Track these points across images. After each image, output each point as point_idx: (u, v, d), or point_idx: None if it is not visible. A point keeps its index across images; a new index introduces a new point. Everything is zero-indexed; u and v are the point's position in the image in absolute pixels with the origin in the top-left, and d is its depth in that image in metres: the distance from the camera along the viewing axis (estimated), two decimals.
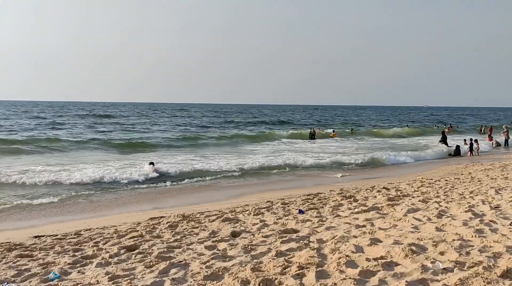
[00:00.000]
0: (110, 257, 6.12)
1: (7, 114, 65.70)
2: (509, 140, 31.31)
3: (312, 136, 36.89)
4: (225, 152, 25.10)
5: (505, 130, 32.08)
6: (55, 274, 5.38)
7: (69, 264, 5.90)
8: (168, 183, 14.94)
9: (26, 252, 6.70)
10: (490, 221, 6.91)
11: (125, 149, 26.19)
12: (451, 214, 7.73)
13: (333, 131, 42.75)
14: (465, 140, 28.58)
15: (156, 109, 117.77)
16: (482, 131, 47.69)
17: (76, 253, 6.48)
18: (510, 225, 6.54)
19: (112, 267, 5.64)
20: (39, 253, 6.64)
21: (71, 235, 7.91)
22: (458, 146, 26.61)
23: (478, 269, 4.50)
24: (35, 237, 7.90)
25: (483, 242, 5.66)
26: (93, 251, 6.53)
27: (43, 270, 5.63)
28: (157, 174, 15.89)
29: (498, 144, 31.62)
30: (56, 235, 7.94)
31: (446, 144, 28.70)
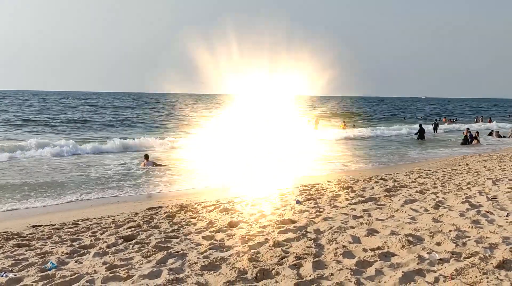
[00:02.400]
0: (108, 246, 6.13)
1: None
2: None
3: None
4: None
5: None
6: (53, 264, 5.39)
7: (66, 253, 5.91)
8: (162, 175, 14.94)
9: (23, 242, 6.70)
10: (487, 212, 6.94)
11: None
12: (448, 205, 7.76)
13: (344, 122, 41.45)
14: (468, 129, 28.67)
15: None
16: (478, 122, 47.83)
17: (74, 243, 6.49)
18: (507, 216, 6.57)
19: (109, 256, 5.65)
20: (37, 242, 6.65)
21: (69, 225, 7.92)
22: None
23: (474, 260, 4.53)
24: (33, 226, 7.90)
25: (479, 233, 5.69)
26: (91, 240, 6.54)
27: (41, 260, 5.64)
28: (150, 167, 15.81)
29: (499, 136, 31.67)
30: (54, 225, 7.95)
31: (423, 137, 29.29)
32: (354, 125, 42.68)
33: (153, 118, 48.09)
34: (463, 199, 8.12)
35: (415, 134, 30.29)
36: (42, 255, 5.89)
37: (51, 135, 27.94)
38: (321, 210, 8.11)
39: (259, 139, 23.39)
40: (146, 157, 16.54)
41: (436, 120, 33.19)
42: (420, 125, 31.05)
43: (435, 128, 35.62)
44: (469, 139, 26.54)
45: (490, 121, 43.74)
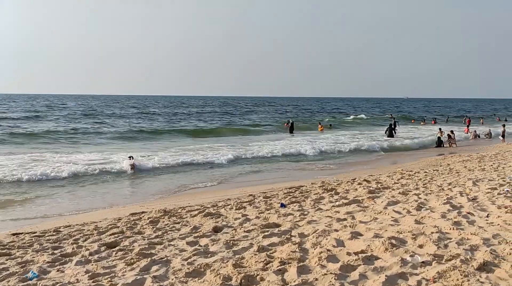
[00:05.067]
0: (90, 254, 6.05)
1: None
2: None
3: (290, 129, 36.41)
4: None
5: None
6: (34, 273, 5.29)
7: (48, 262, 5.81)
8: (146, 177, 14.84)
9: (4, 251, 6.57)
10: (468, 213, 7.04)
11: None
12: (430, 206, 7.85)
13: (320, 123, 41.46)
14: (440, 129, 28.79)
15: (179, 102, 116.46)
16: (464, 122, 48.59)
17: (55, 251, 6.39)
18: (487, 217, 6.68)
19: (92, 265, 5.58)
20: (17, 251, 6.52)
21: (50, 232, 7.79)
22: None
23: (455, 262, 4.58)
24: (13, 234, 7.77)
25: (460, 234, 5.76)
26: (73, 248, 6.45)
27: (22, 269, 5.52)
28: (133, 170, 15.63)
29: (476, 136, 32.17)
30: (35, 232, 7.82)
31: (392, 135, 30.37)
32: (330, 125, 43.25)
33: None
34: (444, 200, 8.22)
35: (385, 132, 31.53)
36: (23, 264, 5.78)
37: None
38: (306, 213, 8.14)
39: None
40: (131, 158, 16.38)
41: (393, 118, 33.12)
42: (389, 124, 32.48)
43: (393, 129, 31.90)
44: (442, 141, 26.64)
45: (469, 122, 44.34)
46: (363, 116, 61.23)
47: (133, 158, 16.43)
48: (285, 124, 39.25)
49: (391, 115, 58.65)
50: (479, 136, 32.24)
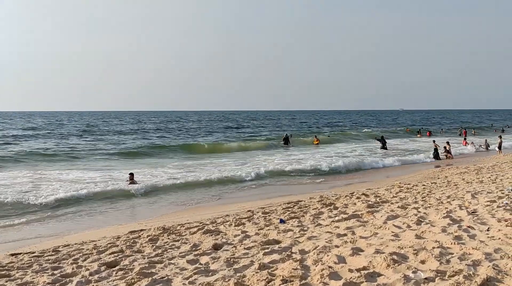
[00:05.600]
0: (90, 274, 6.00)
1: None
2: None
3: (286, 141, 36.56)
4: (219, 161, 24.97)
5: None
6: None
7: (48, 283, 5.75)
8: (145, 195, 14.79)
9: (3, 272, 6.51)
10: (468, 227, 7.03)
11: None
12: (430, 220, 7.85)
13: (315, 137, 41.22)
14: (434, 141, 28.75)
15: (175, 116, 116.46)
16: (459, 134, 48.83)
17: (55, 272, 6.33)
18: (488, 230, 6.68)
19: (92, 285, 5.53)
20: (17, 272, 6.47)
21: (49, 252, 7.73)
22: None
23: (458, 278, 4.57)
24: (12, 255, 7.70)
25: (462, 249, 5.75)
26: (73, 268, 6.40)
27: None
28: (135, 186, 15.56)
29: (476, 148, 32.15)
30: (34, 252, 7.76)
31: (385, 148, 31.73)
32: (329, 136, 43.58)
33: None
34: (444, 213, 8.22)
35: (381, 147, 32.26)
36: None
37: None
38: (305, 228, 8.12)
39: None
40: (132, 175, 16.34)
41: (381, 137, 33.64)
42: (382, 137, 34.17)
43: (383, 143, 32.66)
44: (438, 153, 26.55)
45: (465, 133, 44.63)
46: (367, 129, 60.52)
47: (133, 175, 16.39)
48: (282, 138, 39.36)
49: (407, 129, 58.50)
50: (479, 147, 32.28)
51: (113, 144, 36.56)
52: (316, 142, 38.35)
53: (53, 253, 7.60)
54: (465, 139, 37.54)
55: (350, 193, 12.57)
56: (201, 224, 9.34)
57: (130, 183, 15.80)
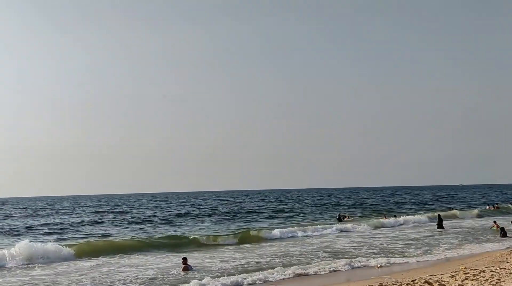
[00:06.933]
0: None
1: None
2: None
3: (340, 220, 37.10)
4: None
5: None
6: None
7: None
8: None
9: None
10: None
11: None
12: None
13: (384, 216, 38.77)
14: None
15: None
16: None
17: None
18: None
19: None
20: None
21: None
22: None
23: None
24: None
25: None
26: None
27: None
28: (187, 272, 15.33)
29: None
30: None
31: (442, 227, 29.60)
32: (395, 216, 39.21)
33: None
34: None
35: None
36: None
37: None
38: None
39: None
40: (185, 260, 16.12)
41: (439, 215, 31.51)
42: (439, 215, 31.62)
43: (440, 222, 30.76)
44: (506, 232, 24.90)
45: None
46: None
47: (186, 260, 16.24)
48: (337, 216, 38.73)
49: (490, 205, 53.39)
50: None
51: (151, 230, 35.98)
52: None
53: None
54: None
55: (411, 281, 11.91)
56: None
57: (184, 267, 15.69)
